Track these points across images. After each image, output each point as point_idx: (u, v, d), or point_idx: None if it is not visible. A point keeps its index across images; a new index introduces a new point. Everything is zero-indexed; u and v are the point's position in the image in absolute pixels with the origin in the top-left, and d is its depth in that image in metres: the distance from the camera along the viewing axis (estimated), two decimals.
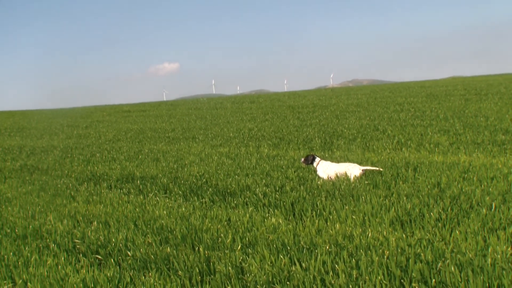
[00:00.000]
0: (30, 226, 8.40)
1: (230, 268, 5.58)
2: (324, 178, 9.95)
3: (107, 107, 63.05)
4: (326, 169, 10.10)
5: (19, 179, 13.83)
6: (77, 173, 13.83)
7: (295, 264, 5.56)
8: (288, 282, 5.08)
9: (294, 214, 7.80)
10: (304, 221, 7.33)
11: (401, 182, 9.02)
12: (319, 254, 5.62)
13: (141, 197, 9.98)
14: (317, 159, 10.47)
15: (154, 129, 26.91)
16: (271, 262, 5.66)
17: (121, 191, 10.83)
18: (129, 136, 24.08)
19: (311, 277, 5.12)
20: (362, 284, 4.89)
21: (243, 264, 5.74)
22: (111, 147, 19.64)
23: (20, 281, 6.04)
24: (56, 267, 6.38)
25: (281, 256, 5.73)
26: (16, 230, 8.29)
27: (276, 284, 5.15)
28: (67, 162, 16.26)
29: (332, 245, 5.96)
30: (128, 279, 5.75)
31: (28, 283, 5.96)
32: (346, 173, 9.71)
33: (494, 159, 10.87)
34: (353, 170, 9.73)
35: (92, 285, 5.66)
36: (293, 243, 6.25)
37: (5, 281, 6.22)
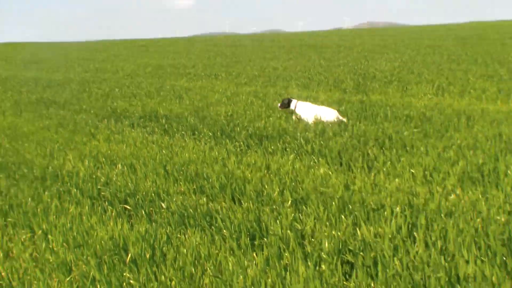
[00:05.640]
0: (50, 167, 7.64)
1: (289, 231, 4.61)
2: (309, 120, 9.34)
3: (122, 42, 61.79)
4: (307, 110, 9.55)
5: (35, 113, 13.08)
6: (96, 108, 13.03)
7: (360, 227, 4.61)
8: (362, 253, 4.11)
9: (341, 164, 6.91)
10: (354, 173, 6.46)
11: (452, 131, 8.12)
12: (389, 217, 4.73)
13: (167, 138, 9.16)
14: (294, 101, 9.92)
15: (173, 65, 25.95)
16: (330, 224, 4.79)
17: (145, 130, 10.02)
18: (148, 72, 23.19)
19: (386, 246, 4.16)
20: (455, 258, 3.98)
21: (296, 224, 4.84)
22: (130, 82, 18.80)
23: (40, 231, 5.29)
24: (80, 217, 5.61)
25: (343, 217, 4.87)
26: (34, 171, 7.54)
27: (346, 254, 4.19)
28: (85, 96, 15.48)
29: (405, 207, 4.97)
30: (165, 237, 4.86)
31: (49, 235, 5.20)
32: (321, 117, 9.19)
33: None
34: (329, 115, 9.18)
35: (123, 242, 4.84)
36: (357, 201, 5.22)
37: (23, 230, 5.49)
